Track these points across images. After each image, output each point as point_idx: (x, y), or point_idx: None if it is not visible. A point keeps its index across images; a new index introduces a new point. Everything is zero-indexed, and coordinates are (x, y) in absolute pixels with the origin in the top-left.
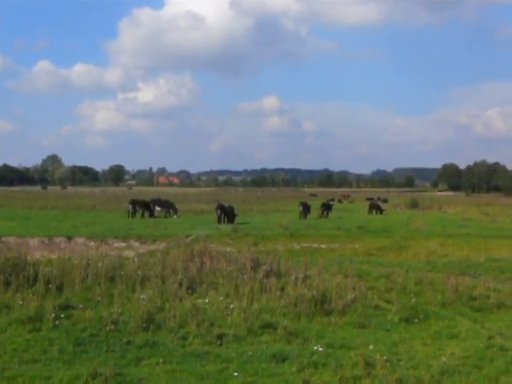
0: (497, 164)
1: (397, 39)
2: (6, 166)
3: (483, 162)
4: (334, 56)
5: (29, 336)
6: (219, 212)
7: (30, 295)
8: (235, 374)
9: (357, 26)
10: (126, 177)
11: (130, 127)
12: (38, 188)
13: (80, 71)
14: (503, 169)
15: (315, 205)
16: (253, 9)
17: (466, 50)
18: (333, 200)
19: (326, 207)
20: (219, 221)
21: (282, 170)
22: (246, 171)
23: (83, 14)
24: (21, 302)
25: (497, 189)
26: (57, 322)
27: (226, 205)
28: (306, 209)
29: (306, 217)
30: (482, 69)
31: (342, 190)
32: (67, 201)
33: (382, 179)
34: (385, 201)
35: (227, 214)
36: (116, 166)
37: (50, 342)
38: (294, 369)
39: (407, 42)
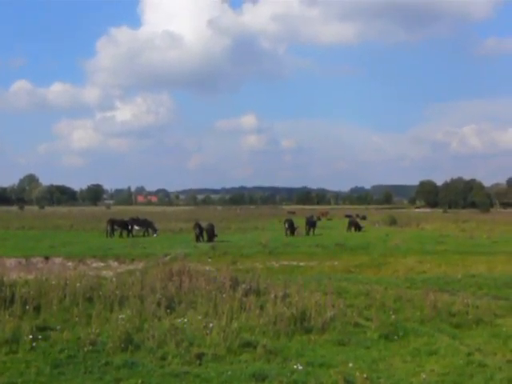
0: (473, 181)
1: (373, 57)
2: None
3: (460, 179)
4: (311, 74)
5: (5, 358)
6: (197, 230)
7: (7, 316)
8: None
9: (334, 45)
10: (104, 196)
11: (108, 146)
12: (15, 208)
13: (57, 90)
14: (479, 185)
15: (297, 222)
16: (230, 28)
17: (443, 67)
18: (312, 217)
19: (311, 224)
20: (197, 239)
21: (261, 188)
22: (224, 189)
23: (61, 32)
24: None
25: (473, 205)
26: (34, 344)
27: (205, 223)
28: (292, 226)
29: (292, 234)
30: (459, 86)
31: (320, 207)
32: (45, 221)
33: (360, 196)
34: (363, 218)
35: (206, 232)
36: (94, 185)
37: (27, 364)
38: None
39: (384, 60)
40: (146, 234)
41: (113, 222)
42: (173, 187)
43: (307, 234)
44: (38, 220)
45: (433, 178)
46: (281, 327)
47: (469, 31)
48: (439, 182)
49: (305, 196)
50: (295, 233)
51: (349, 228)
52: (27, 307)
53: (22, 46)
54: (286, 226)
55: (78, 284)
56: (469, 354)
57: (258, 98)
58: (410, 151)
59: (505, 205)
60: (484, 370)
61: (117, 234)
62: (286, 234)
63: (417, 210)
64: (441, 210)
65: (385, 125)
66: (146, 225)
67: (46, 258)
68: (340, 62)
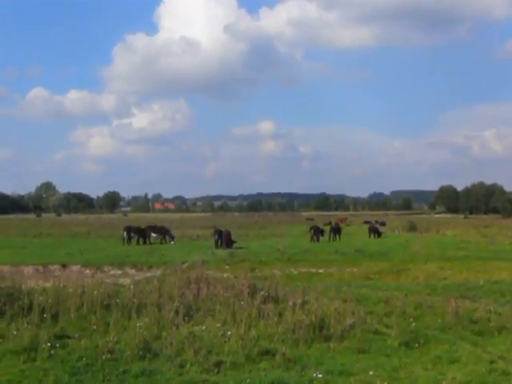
0: (494, 185)
1: (392, 61)
2: None
3: (481, 184)
4: (329, 79)
5: (23, 366)
6: (217, 237)
7: (25, 325)
8: None
9: (351, 49)
10: (121, 203)
11: (125, 153)
12: (32, 216)
13: (74, 98)
14: (501, 190)
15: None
16: (247, 33)
17: (462, 71)
18: (329, 223)
19: (336, 230)
20: (216, 246)
21: (279, 194)
22: (241, 196)
23: (76, 39)
24: (15, 332)
25: (495, 210)
26: (52, 352)
27: (222, 230)
28: (318, 232)
29: (318, 240)
30: (479, 89)
31: (338, 213)
32: (62, 228)
33: (379, 202)
34: (382, 224)
35: (224, 239)
36: (111, 192)
37: (45, 372)
38: None
39: (402, 64)
40: (163, 241)
41: (130, 230)
42: (190, 194)
43: (330, 240)
44: (55, 227)
45: (453, 183)
46: (300, 335)
47: (488, 34)
48: (460, 187)
49: (323, 202)
50: (316, 238)
51: (370, 234)
52: (45, 315)
53: (38, 54)
54: (312, 232)
55: (95, 292)
56: (491, 362)
57: (275, 103)
58: (429, 156)
59: None
60: (507, 379)
61: (134, 241)
62: (312, 240)
63: (437, 215)
64: (461, 216)
65: (404, 129)
66: (164, 232)
67: (64, 266)
68: (358, 67)
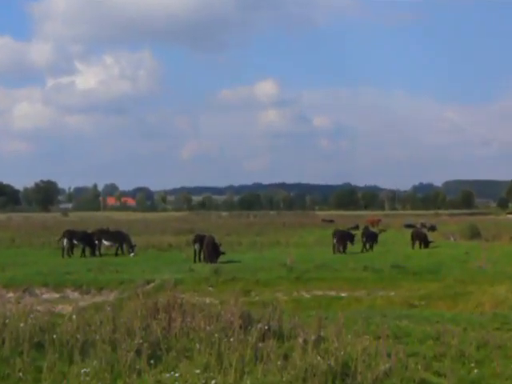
0: None
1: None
2: None
3: None
4: (354, 22)
5: None
6: (198, 246)
7: None
8: None
9: None
10: (60, 198)
11: (65, 126)
12: None
13: None
14: None
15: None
16: None
17: None
18: (356, 227)
19: (370, 237)
20: (197, 259)
21: (283, 185)
22: (231, 188)
23: None
24: None
25: None
26: None
27: (205, 236)
28: (345, 239)
29: (344, 250)
30: None
31: (369, 213)
32: None
33: (426, 197)
34: (432, 228)
35: (206, 248)
36: (44, 182)
37: None
38: None
39: (460, 5)
40: (119, 251)
41: (72, 235)
42: (157, 185)
43: (363, 250)
44: None
45: None
46: None
47: None
48: None
49: (347, 197)
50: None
51: (414, 243)
52: None
53: None
54: (335, 240)
55: (21, 324)
56: None
57: (278, 56)
58: (498, 132)
59: None
60: None
61: (77, 251)
62: (337, 251)
63: (509, 216)
64: None
65: (462, 95)
66: (120, 239)
67: None
68: (396, 6)
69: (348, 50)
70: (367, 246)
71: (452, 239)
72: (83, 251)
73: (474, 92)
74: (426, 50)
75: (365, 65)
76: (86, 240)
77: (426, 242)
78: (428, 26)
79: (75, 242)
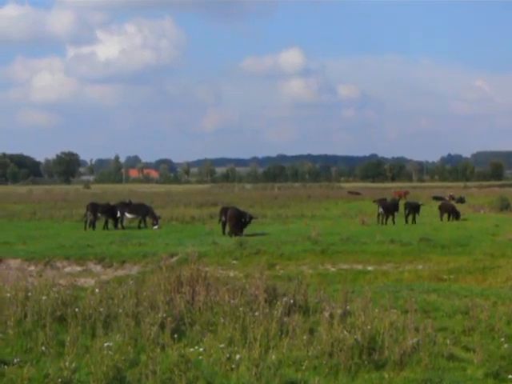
0: None
1: None
2: None
3: None
4: None
5: None
6: (224, 219)
7: None
8: None
9: None
10: (81, 170)
11: (86, 97)
12: None
13: (11, 15)
14: None
15: (366, 208)
16: None
17: None
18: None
19: (413, 208)
20: (224, 231)
21: (309, 157)
22: (255, 160)
23: None
24: None
25: None
26: None
27: (233, 208)
28: (392, 209)
29: (386, 221)
30: None
31: (396, 185)
32: None
33: (455, 169)
34: (461, 200)
35: (230, 221)
36: (66, 153)
37: None
38: None
39: None
40: (142, 224)
41: (95, 208)
42: (180, 157)
43: (406, 221)
44: None
45: None
46: (340, 360)
47: None
48: None
49: (373, 169)
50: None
51: (442, 215)
52: None
53: None
54: (380, 209)
55: (44, 297)
56: None
57: (303, 24)
58: None
59: None
60: None
61: (100, 224)
62: (379, 222)
63: None
64: None
65: (493, 61)
66: (143, 212)
67: None
68: None
69: (373, 17)
70: (412, 217)
71: (482, 212)
72: (106, 224)
73: (505, 60)
74: (454, 17)
75: (390, 33)
76: (110, 213)
77: (455, 215)
78: None
79: (99, 215)
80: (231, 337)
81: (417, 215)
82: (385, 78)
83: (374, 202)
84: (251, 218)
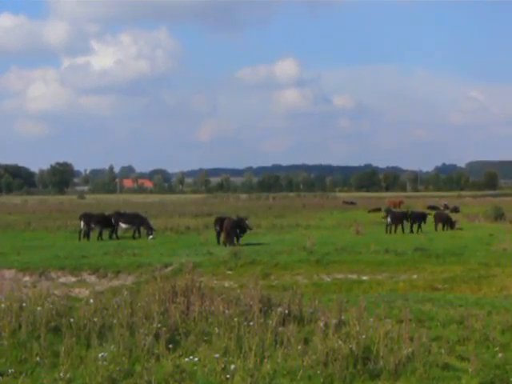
0: None
1: None
2: None
3: None
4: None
5: None
6: (218, 228)
7: None
8: None
9: None
10: (76, 180)
11: (80, 107)
12: None
13: (6, 25)
14: None
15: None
16: None
17: None
18: (379, 210)
19: (419, 217)
20: (219, 241)
21: (303, 167)
22: (250, 170)
23: None
24: None
25: None
26: None
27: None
28: (401, 218)
29: (395, 231)
30: None
31: (391, 194)
32: None
33: (449, 178)
34: (455, 210)
35: (226, 231)
36: (60, 164)
37: None
38: None
39: None
40: (136, 234)
41: (89, 218)
42: (175, 167)
43: (412, 230)
44: None
45: None
46: (335, 370)
47: None
48: None
49: (368, 179)
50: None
51: (437, 225)
52: None
53: None
54: (389, 219)
55: (38, 308)
56: None
57: (298, 34)
58: None
59: None
60: None
61: (94, 234)
62: (387, 231)
63: None
64: None
65: (488, 72)
66: (138, 222)
67: None
68: None
69: (369, 28)
70: (418, 226)
71: (476, 221)
72: (100, 234)
73: (500, 70)
74: (449, 28)
75: (386, 43)
76: (104, 223)
77: (450, 224)
78: (450, 1)
79: (93, 225)
80: (226, 347)
81: (423, 224)
82: (380, 88)
83: (384, 211)
84: (247, 226)
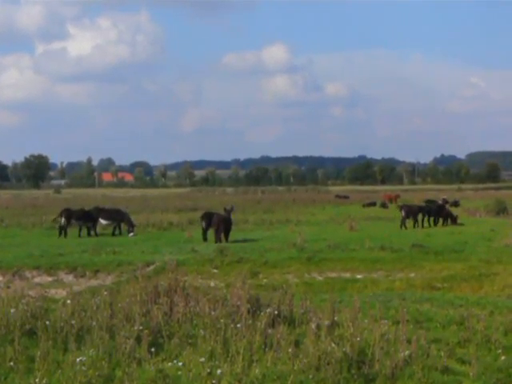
0: None
1: None
2: None
3: None
4: None
5: None
6: (205, 225)
7: None
8: None
9: None
10: (52, 173)
11: (56, 96)
12: None
13: None
14: None
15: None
16: None
17: None
18: (374, 204)
19: (434, 211)
20: (205, 238)
21: (293, 159)
22: (237, 162)
23: None
24: None
25: None
26: None
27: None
28: (416, 212)
29: (406, 225)
30: None
31: (386, 188)
32: None
33: (449, 170)
34: (455, 204)
35: (215, 227)
36: (35, 156)
37: None
38: None
39: None
40: (117, 231)
41: (70, 214)
42: (157, 159)
43: (422, 225)
44: None
45: None
46: (327, 374)
47: None
48: None
49: (362, 171)
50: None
51: (434, 220)
52: None
53: None
54: (403, 213)
55: (12, 310)
56: None
57: (287, 17)
58: None
59: None
60: None
61: (73, 232)
62: (402, 227)
63: None
64: None
65: (488, 58)
66: (118, 217)
67: None
68: None
69: (363, 11)
70: (427, 221)
71: (477, 216)
72: (80, 231)
73: (502, 55)
74: (447, 11)
75: (381, 27)
76: (85, 218)
77: (452, 219)
78: None
79: (73, 221)
80: (212, 350)
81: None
82: (375, 74)
83: (398, 206)
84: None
